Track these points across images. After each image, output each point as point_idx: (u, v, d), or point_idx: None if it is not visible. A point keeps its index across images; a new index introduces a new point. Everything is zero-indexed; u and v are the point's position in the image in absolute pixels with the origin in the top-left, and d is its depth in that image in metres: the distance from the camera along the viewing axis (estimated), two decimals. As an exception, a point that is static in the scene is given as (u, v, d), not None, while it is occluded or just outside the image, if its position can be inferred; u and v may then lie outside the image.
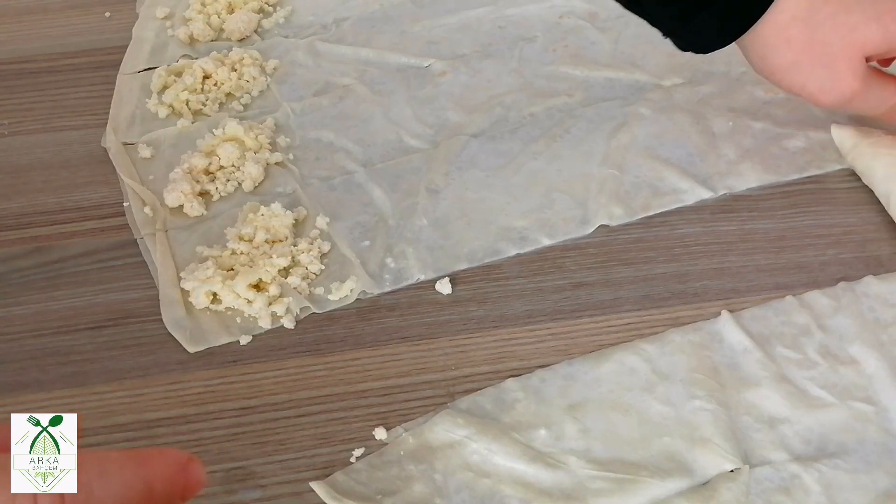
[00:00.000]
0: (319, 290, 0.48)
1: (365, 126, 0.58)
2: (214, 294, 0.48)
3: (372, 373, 0.45)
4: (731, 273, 0.50)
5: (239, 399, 0.44)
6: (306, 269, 0.49)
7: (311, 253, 0.50)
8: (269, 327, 0.47)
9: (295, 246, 0.50)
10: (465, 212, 0.52)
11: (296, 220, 0.51)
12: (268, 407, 0.44)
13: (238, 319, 0.48)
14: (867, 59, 0.49)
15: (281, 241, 0.50)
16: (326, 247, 0.50)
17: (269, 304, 0.47)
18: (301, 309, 0.48)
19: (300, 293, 0.48)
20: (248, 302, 0.48)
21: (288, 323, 0.47)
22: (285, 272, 0.49)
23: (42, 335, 0.48)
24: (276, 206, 0.51)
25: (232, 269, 0.49)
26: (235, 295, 0.47)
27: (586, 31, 0.64)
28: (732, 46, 0.49)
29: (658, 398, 0.43)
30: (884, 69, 0.52)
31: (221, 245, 0.51)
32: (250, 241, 0.50)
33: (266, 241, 0.50)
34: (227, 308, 0.48)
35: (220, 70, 0.60)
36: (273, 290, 0.48)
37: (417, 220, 0.52)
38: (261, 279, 0.48)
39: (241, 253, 0.50)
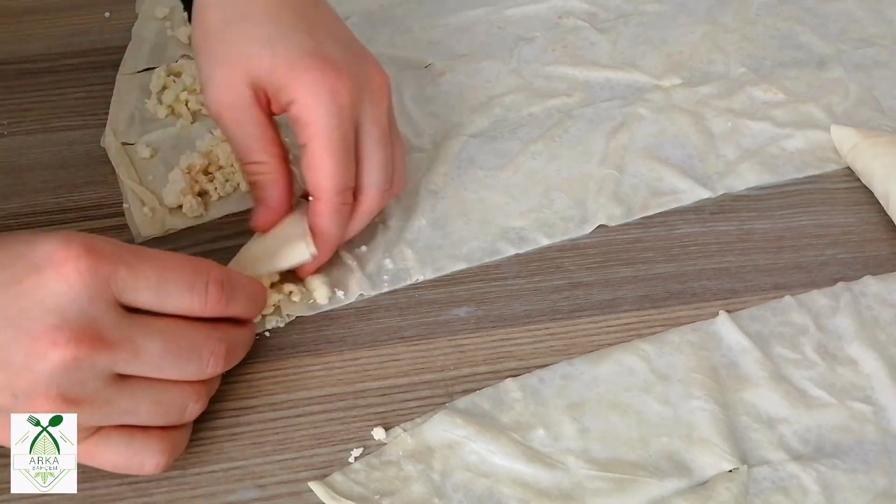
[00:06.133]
0: (317, 294, 0.48)
1: (364, 126, 0.58)
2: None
3: (370, 373, 0.45)
4: (730, 273, 0.50)
5: (237, 399, 0.44)
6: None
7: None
8: (266, 328, 0.47)
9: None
10: (464, 212, 0.52)
11: None
12: (266, 407, 0.44)
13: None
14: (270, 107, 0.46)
15: None
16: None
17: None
18: (298, 313, 0.48)
19: (297, 296, 0.48)
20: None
21: (281, 324, 0.47)
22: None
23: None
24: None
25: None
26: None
27: (585, 31, 0.64)
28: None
29: (656, 398, 0.44)
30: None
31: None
32: None
33: None
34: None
35: (219, 70, 0.60)
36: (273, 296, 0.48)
37: (416, 220, 0.52)
38: None
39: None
